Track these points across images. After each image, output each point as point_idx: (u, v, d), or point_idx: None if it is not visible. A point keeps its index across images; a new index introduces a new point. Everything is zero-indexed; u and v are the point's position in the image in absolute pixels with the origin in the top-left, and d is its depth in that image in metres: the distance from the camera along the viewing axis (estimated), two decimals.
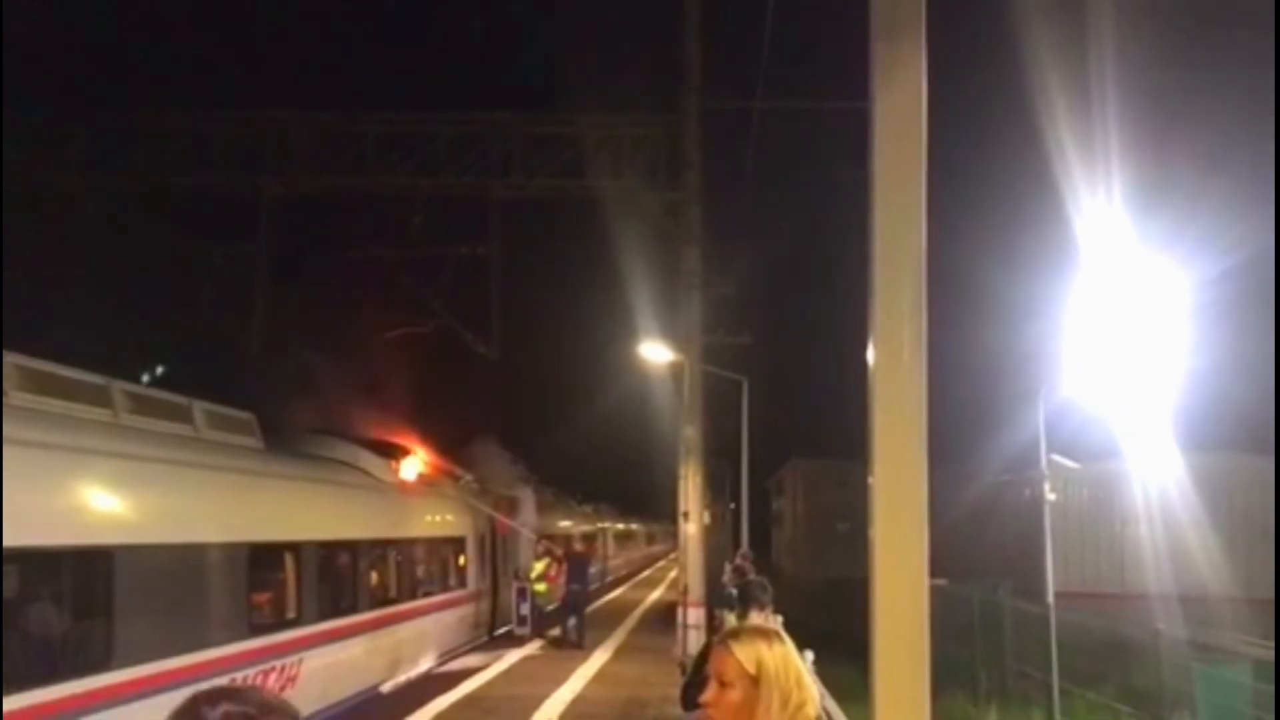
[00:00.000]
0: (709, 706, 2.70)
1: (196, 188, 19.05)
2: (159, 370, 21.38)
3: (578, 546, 22.29)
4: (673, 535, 26.85)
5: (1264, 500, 24.18)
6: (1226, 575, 20.81)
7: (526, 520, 23.87)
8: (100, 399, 9.62)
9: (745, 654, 2.68)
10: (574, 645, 19.14)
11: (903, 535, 2.21)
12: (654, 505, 55.62)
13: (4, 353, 8.42)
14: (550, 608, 21.43)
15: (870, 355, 2.29)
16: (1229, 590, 20.41)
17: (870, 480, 2.28)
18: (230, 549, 10.36)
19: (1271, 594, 20.08)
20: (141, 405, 10.34)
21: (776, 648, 2.71)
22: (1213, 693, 14.91)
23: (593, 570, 37.57)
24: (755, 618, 6.00)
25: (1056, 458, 17.94)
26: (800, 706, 2.65)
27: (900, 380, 2.30)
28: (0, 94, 16.15)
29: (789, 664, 2.70)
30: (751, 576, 13.25)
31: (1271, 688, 14.37)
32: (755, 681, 2.64)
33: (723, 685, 2.67)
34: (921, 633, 2.10)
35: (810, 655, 8.25)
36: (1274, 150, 14.98)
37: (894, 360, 2.30)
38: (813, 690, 2.70)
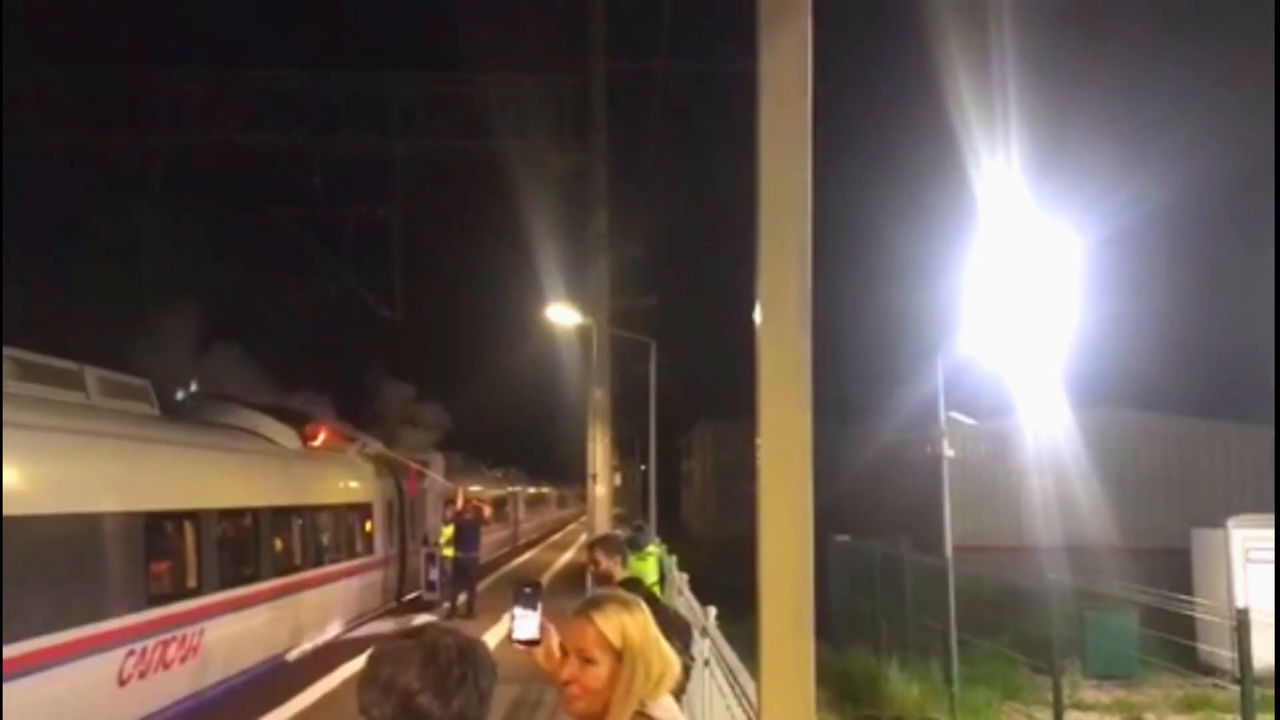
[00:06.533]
0: (570, 684, 2.52)
1: (80, 146, 18.33)
2: None
3: (464, 511, 20.70)
4: (583, 498, 26.92)
5: (1149, 453, 25.17)
6: (1113, 526, 21.63)
7: (435, 485, 23.72)
8: None
9: (609, 626, 2.52)
10: (463, 618, 18.77)
11: (789, 492, 2.25)
12: (564, 468, 55.73)
13: None
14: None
15: (757, 315, 2.32)
16: (1113, 540, 21.22)
17: (758, 440, 2.31)
18: (126, 518, 10.11)
19: (1157, 543, 20.96)
20: (29, 372, 10.00)
21: (638, 616, 2.56)
22: (1101, 639, 15.57)
23: (504, 534, 37.75)
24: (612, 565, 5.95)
25: (955, 415, 18.40)
26: (660, 678, 2.51)
27: (786, 339, 2.33)
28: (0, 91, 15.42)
29: (650, 634, 2.55)
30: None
31: (1154, 631, 15.06)
32: (619, 655, 2.49)
33: (585, 661, 2.50)
34: (807, 587, 2.14)
35: (713, 611, 8.38)
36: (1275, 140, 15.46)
37: (780, 319, 2.33)
38: (672, 657, 2.59)
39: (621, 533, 13.11)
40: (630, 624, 2.54)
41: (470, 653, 1.96)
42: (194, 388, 18.15)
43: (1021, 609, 16.61)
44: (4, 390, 9.39)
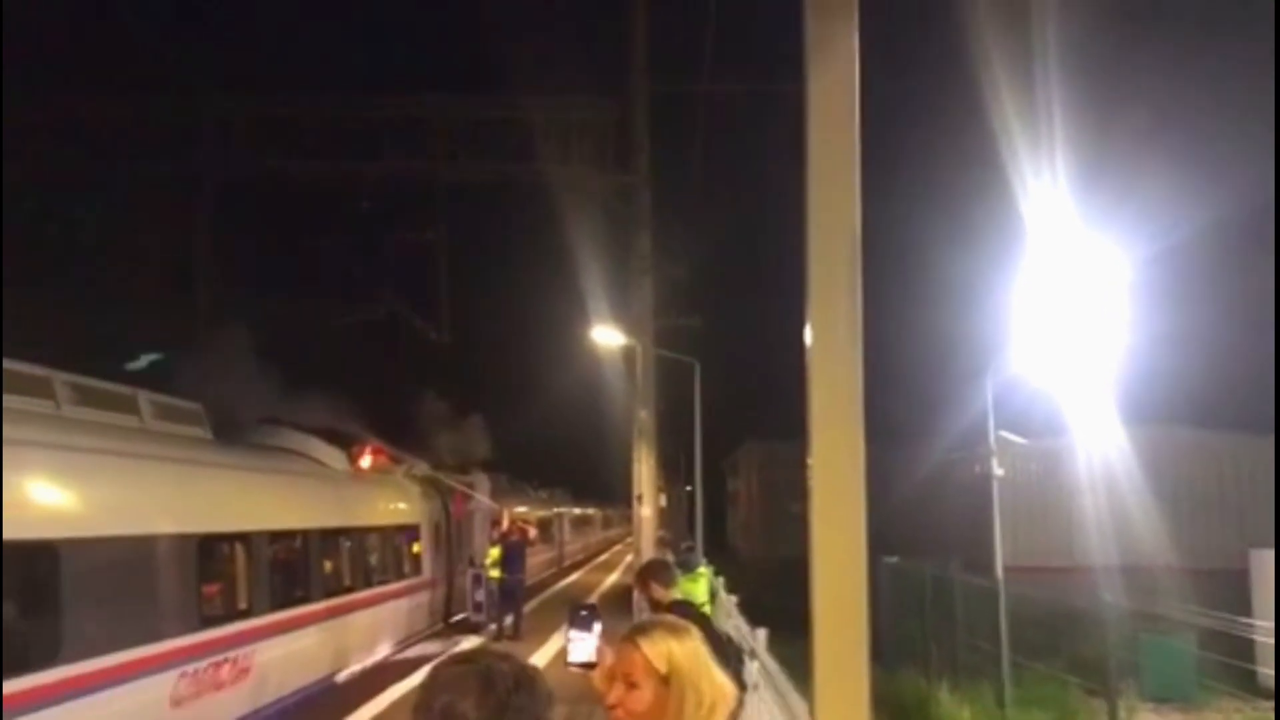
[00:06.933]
0: (614, 708, 2.53)
1: (135, 173, 18.71)
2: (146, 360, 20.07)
3: (509, 532, 21.03)
4: (628, 519, 26.90)
5: (1204, 471, 24.69)
6: (1167, 546, 21.24)
7: (481, 506, 23.80)
8: (42, 390, 9.45)
9: (654, 651, 2.52)
10: (509, 639, 18.82)
11: (841, 513, 2.24)
12: (609, 489, 55.72)
13: None
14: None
15: (807, 335, 2.31)
16: (1169, 560, 20.84)
17: (809, 460, 2.30)
18: (179, 541, 10.23)
19: (1214, 564, 20.56)
20: (85, 396, 10.17)
21: (687, 643, 2.55)
22: (1158, 661, 15.27)
23: (550, 555, 37.79)
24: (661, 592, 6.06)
25: (1005, 434, 18.20)
26: (713, 706, 2.50)
27: (836, 359, 2.32)
28: (0, 95, 15.81)
29: (700, 660, 2.54)
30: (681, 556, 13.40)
31: (1214, 655, 14.75)
32: (665, 681, 2.49)
33: (630, 686, 2.51)
34: (860, 610, 2.12)
35: (763, 633, 8.33)
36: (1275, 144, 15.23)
37: (830, 340, 2.32)
38: (726, 685, 2.57)
39: (670, 556, 13.10)
40: (677, 650, 2.53)
41: (527, 680, 1.95)
42: (156, 357, 18.33)
43: (1074, 630, 16.35)
44: (63, 414, 9.58)
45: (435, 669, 1.97)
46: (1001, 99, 13.76)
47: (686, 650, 2.53)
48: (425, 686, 1.94)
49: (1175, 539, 21.68)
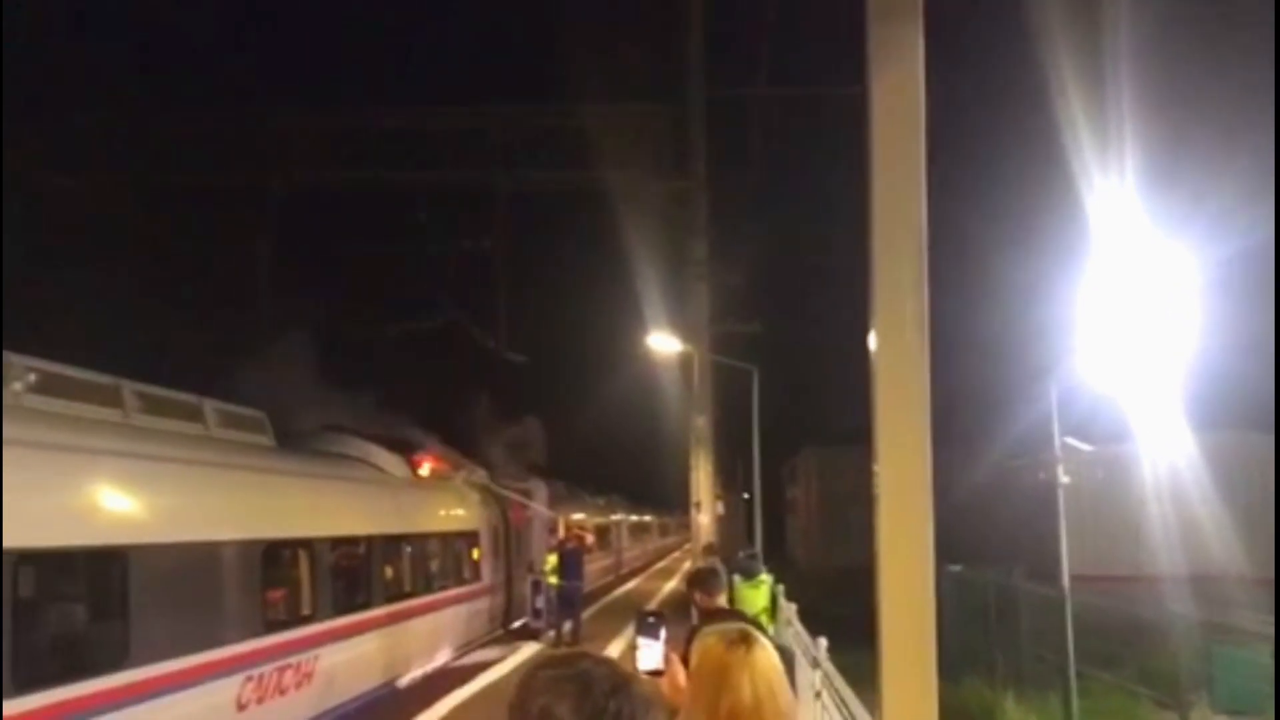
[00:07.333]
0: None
1: (198, 187, 19.06)
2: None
3: (567, 539, 21.12)
4: (686, 526, 26.83)
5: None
6: (1239, 555, 20.72)
7: (540, 514, 23.88)
8: (110, 399, 9.64)
9: (695, 647, 2.55)
10: (568, 645, 18.84)
11: (908, 520, 2.19)
12: (666, 496, 55.65)
13: (12, 355, 8.43)
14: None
15: (871, 340, 2.27)
16: (1242, 570, 20.32)
17: (875, 467, 2.26)
18: (244, 547, 10.37)
19: None
20: (152, 405, 10.35)
21: (714, 653, 2.50)
22: (1231, 674, 14.88)
23: (608, 562, 37.83)
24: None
25: (1070, 440, 17.86)
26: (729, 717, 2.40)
27: (902, 364, 2.27)
28: (0, 94, 16.18)
29: (722, 671, 2.46)
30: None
31: None
32: (689, 677, 2.53)
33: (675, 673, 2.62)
34: (928, 617, 2.08)
35: (824, 642, 8.24)
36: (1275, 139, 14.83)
37: (896, 344, 2.28)
38: (753, 704, 2.42)
39: (718, 563, 13.08)
40: (701, 654, 2.52)
41: (624, 687, 1.92)
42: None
43: (1143, 641, 16.00)
44: (131, 422, 9.76)
45: (531, 672, 1.95)
46: (1069, 94, 13.50)
47: (711, 658, 2.50)
48: (522, 689, 1.92)
49: (1248, 547, 21.14)
